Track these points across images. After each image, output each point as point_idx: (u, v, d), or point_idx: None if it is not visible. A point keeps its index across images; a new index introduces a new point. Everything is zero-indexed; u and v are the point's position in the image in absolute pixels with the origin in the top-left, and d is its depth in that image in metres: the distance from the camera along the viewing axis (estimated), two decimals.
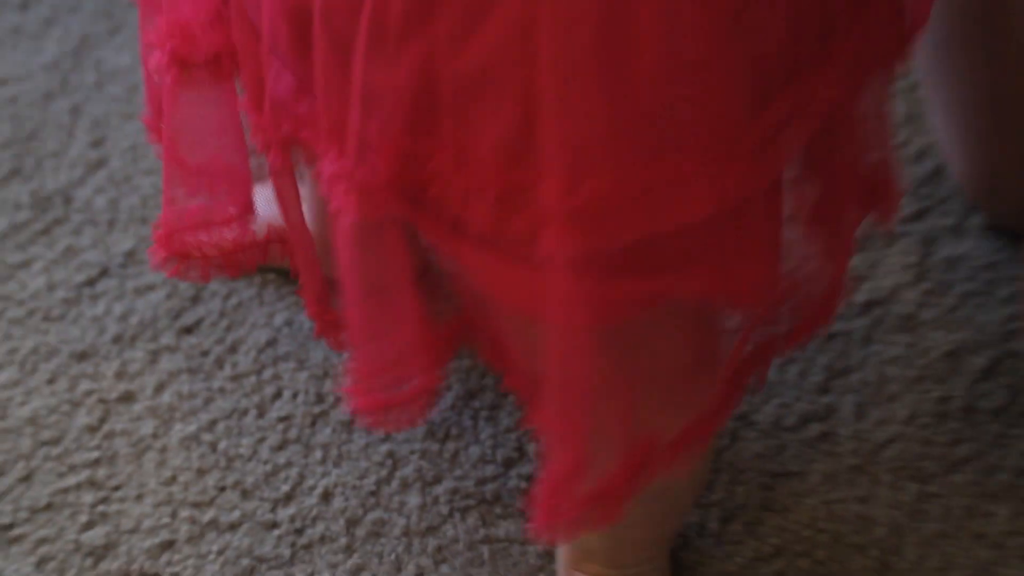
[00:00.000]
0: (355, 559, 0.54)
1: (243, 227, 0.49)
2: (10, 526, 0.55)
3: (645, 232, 0.35)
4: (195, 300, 0.62)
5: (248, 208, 0.48)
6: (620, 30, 0.31)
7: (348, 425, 0.57)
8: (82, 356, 0.61)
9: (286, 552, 0.54)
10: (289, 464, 0.56)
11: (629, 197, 0.34)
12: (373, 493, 0.56)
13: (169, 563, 0.53)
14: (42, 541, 0.54)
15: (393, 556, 0.54)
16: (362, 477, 0.56)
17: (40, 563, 0.53)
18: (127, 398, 0.59)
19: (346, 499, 0.56)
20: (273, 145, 0.40)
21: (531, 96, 0.32)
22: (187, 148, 0.46)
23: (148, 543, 0.54)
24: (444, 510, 0.56)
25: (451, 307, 0.46)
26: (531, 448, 0.56)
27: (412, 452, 0.56)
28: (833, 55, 0.37)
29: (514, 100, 0.32)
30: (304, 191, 0.45)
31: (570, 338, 0.37)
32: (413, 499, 0.56)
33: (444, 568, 0.54)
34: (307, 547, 0.54)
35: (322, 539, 0.54)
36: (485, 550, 0.53)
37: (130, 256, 0.64)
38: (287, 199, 0.43)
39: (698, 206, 0.34)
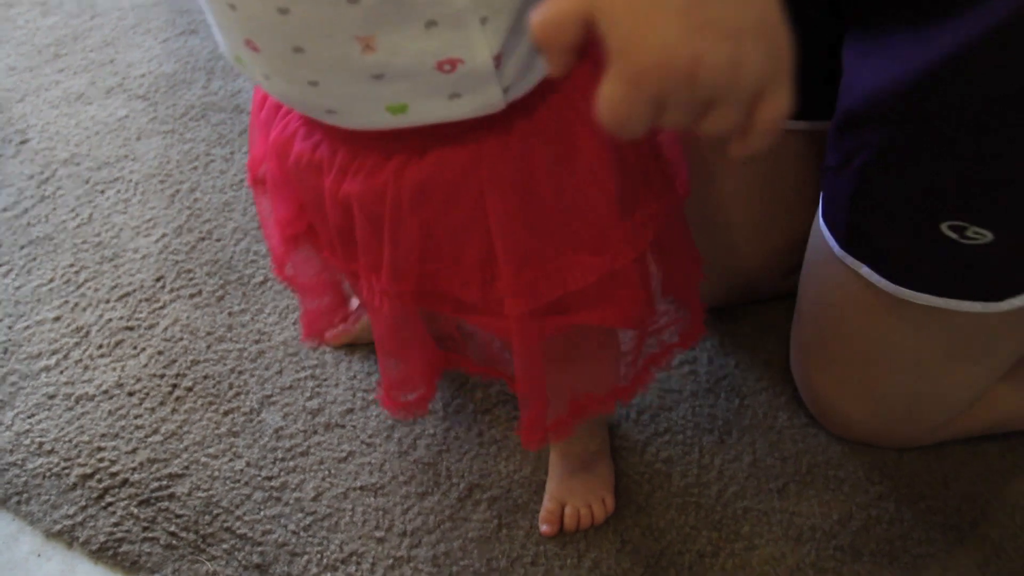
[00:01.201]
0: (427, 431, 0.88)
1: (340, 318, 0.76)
2: (269, 395, 0.94)
3: (559, 294, 0.55)
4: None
5: (342, 301, 0.74)
6: (531, 198, 0.51)
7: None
8: None
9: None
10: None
11: (547, 277, 0.55)
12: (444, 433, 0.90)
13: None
14: (286, 405, 0.93)
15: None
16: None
17: (285, 416, 0.92)
18: None
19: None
20: (348, 271, 0.60)
21: (487, 234, 0.52)
22: (307, 276, 0.69)
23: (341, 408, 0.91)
24: (470, 422, 0.89)
25: (441, 348, 0.70)
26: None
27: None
28: (651, 193, 0.57)
29: (479, 237, 0.52)
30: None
31: (526, 351, 0.59)
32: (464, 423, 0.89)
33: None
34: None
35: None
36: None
37: None
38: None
39: (586, 277, 0.55)
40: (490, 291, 0.56)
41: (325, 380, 0.92)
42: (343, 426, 0.89)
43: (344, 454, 0.87)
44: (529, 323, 0.57)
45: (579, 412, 0.69)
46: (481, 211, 0.51)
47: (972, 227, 0.59)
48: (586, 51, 0.49)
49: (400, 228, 0.52)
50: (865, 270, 0.67)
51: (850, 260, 0.68)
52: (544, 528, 0.79)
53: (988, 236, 0.60)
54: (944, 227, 0.60)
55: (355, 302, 0.81)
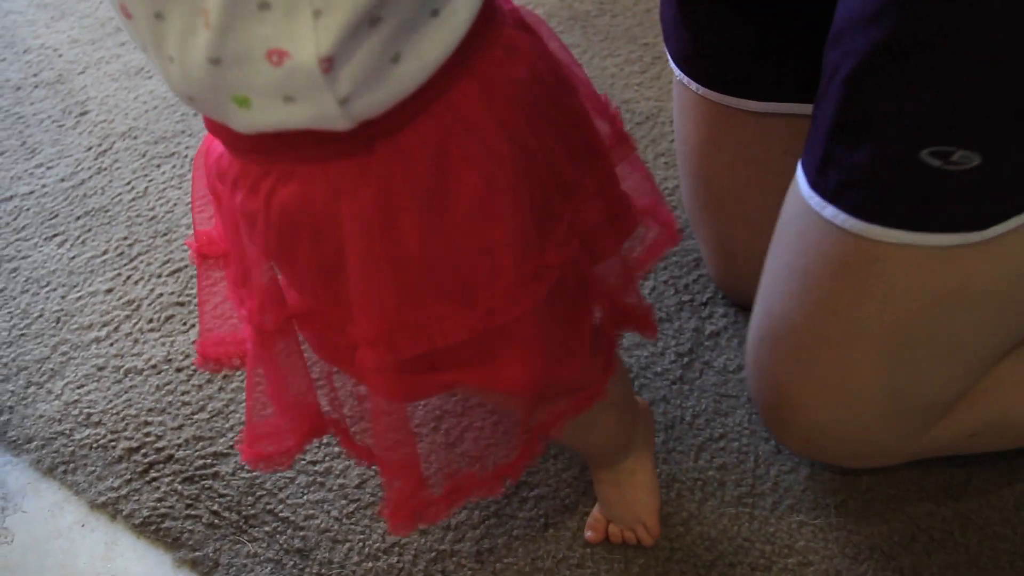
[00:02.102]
0: None
1: None
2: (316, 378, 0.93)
3: (423, 350, 0.47)
4: None
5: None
6: (392, 235, 0.44)
7: None
8: None
9: None
10: None
11: (409, 330, 0.47)
12: None
13: None
14: (332, 391, 0.91)
15: None
16: None
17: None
18: None
19: None
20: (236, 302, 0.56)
21: (344, 279, 0.46)
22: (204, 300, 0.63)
23: None
24: None
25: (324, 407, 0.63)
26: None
27: None
28: (558, 238, 0.49)
29: (340, 274, 0.46)
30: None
31: (383, 411, 0.52)
32: None
33: None
34: None
35: None
36: None
37: None
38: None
39: (452, 334, 0.47)
40: (346, 333, 0.49)
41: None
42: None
43: None
44: (391, 378, 0.49)
45: (456, 494, 0.62)
46: (338, 243, 0.45)
47: (959, 151, 0.54)
48: (466, 63, 0.43)
49: (271, 256, 0.48)
50: (830, 211, 0.61)
51: (816, 201, 0.62)
52: (589, 535, 0.76)
53: (975, 160, 0.55)
54: (924, 154, 0.55)
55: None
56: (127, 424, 0.90)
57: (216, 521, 0.83)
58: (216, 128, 0.46)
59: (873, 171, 0.58)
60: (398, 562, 0.78)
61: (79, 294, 1.03)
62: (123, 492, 0.86)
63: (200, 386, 0.92)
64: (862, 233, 0.60)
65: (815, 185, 0.63)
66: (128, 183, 1.14)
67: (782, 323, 0.69)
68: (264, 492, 0.84)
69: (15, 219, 1.12)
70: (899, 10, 0.54)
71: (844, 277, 0.63)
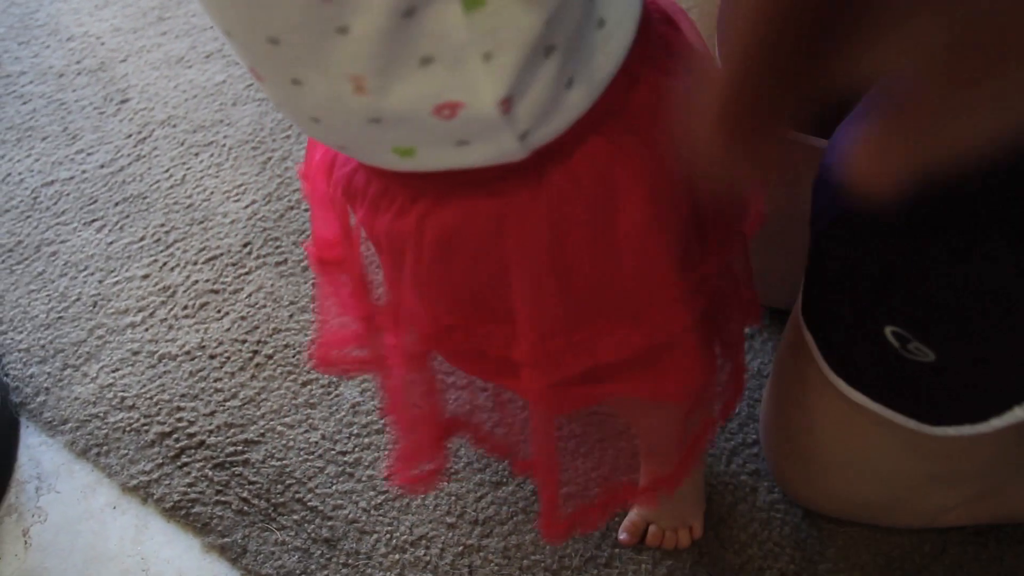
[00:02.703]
0: None
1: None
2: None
3: (586, 366, 0.47)
4: None
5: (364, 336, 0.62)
6: (561, 260, 0.43)
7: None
8: None
9: None
10: None
11: (574, 348, 0.47)
12: None
13: None
14: (364, 381, 0.92)
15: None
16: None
17: (363, 392, 0.91)
18: None
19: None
20: (360, 318, 0.55)
21: (509, 299, 0.45)
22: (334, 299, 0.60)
23: None
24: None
25: (454, 419, 0.63)
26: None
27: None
28: (709, 246, 0.49)
29: (502, 296, 0.45)
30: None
31: (543, 426, 0.52)
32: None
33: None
34: None
35: None
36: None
37: None
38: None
39: (619, 350, 0.47)
40: (510, 351, 0.48)
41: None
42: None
43: None
44: (549, 392, 0.49)
45: (612, 502, 0.62)
46: (505, 270, 0.44)
47: (914, 341, 0.51)
48: (632, 71, 0.41)
49: (421, 278, 0.46)
50: (812, 343, 0.60)
51: (804, 329, 0.60)
52: (623, 537, 0.76)
53: (930, 356, 0.51)
54: (888, 332, 0.52)
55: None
56: (160, 409, 0.91)
57: (245, 508, 0.83)
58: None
59: (845, 335, 0.56)
60: (425, 555, 0.78)
61: (116, 279, 1.04)
62: (154, 476, 0.86)
63: (232, 373, 0.93)
64: (833, 383, 0.59)
65: (803, 309, 0.61)
66: (166, 171, 1.15)
67: (782, 430, 0.69)
68: (293, 481, 0.84)
69: (55, 203, 1.13)
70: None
71: (828, 402, 0.61)
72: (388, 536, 0.80)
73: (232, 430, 0.88)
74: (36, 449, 0.91)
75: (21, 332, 1.00)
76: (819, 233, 0.56)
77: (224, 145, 1.17)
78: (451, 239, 0.43)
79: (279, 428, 0.88)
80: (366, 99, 0.36)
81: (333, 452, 0.85)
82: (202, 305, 1.00)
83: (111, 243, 1.08)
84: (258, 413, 0.90)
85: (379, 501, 0.82)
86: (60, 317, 1.01)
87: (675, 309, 0.47)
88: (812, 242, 0.58)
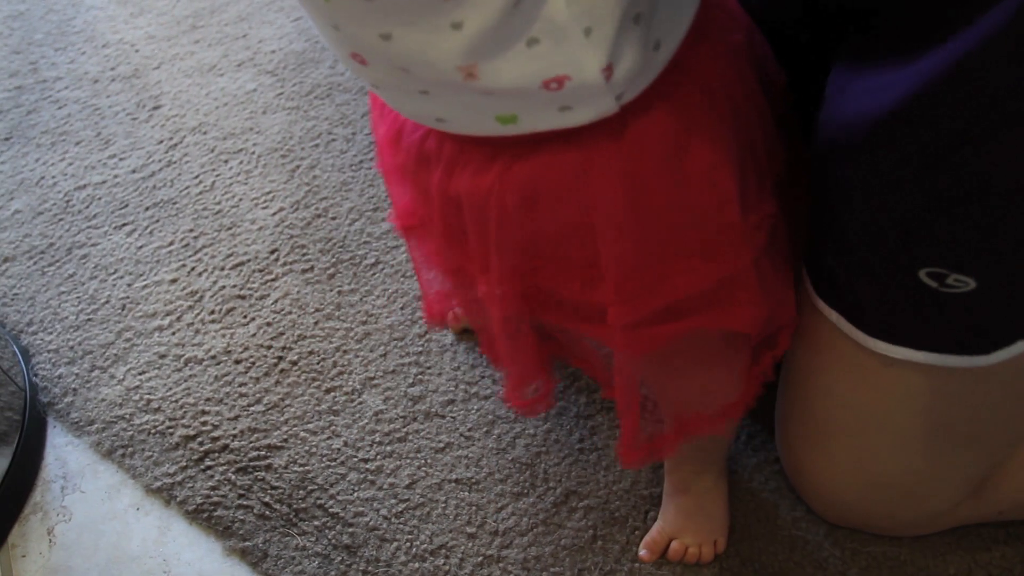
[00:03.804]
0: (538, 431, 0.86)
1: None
2: (372, 378, 0.94)
3: (666, 302, 0.52)
4: None
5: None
6: (640, 203, 0.47)
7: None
8: None
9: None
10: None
11: (652, 286, 0.51)
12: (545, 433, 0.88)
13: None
14: (388, 389, 0.92)
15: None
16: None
17: (386, 400, 0.91)
18: None
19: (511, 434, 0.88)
20: (449, 272, 0.60)
21: (592, 238, 0.49)
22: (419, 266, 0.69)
23: (442, 399, 0.90)
24: (573, 435, 0.86)
25: (551, 342, 0.66)
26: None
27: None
28: (766, 189, 0.54)
29: (585, 240, 0.49)
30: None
31: (627, 362, 0.57)
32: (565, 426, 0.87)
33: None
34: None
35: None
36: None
37: None
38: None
39: (697, 284, 0.52)
40: (593, 294, 0.53)
41: (429, 368, 0.92)
42: (443, 416, 0.88)
43: (442, 445, 0.86)
44: (633, 333, 0.53)
45: (685, 431, 0.65)
46: (588, 215, 0.48)
47: (953, 274, 0.53)
48: (700, 30, 0.46)
49: (506, 229, 0.50)
50: (841, 320, 0.60)
51: (826, 309, 0.61)
52: (643, 553, 0.76)
53: (971, 284, 0.53)
54: (922, 274, 0.54)
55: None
56: (185, 412, 0.92)
57: (267, 512, 0.84)
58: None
59: (876, 294, 0.57)
60: (444, 564, 0.78)
61: (145, 283, 1.05)
62: (178, 479, 0.87)
63: (257, 379, 0.94)
64: (870, 347, 0.60)
65: (821, 293, 0.62)
66: (196, 177, 1.17)
67: (804, 410, 0.69)
68: (315, 487, 0.84)
69: (87, 207, 1.15)
70: (886, 141, 0.52)
71: (860, 376, 0.62)
72: (408, 544, 0.80)
73: (256, 435, 0.89)
74: (62, 449, 0.92)
75: (51, 333, 1.01)
76: (831, 208, 0.57)
77: (253, 153, 1.19)
78: (535, 189, 0.47)
79: (302, 434, 0.89)
80: (477, 83, 0.40)
81: (355, 459, 0.86)
82: (229, 310, 1.01)
83: (141, 247, 1.09)
84: (282, 419, 0.90)
85: (400, 509, 0.82)
86: (89, 319, 1.02)
87: (741, 244, 0.51)
88: (820, 222, 0.59)
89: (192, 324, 1.00)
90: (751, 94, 0.52)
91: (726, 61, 0.49)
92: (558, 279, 0.53)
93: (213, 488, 0.86)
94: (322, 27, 0.43)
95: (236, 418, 0.91)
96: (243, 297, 1.02)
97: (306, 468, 0.86)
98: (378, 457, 0.86)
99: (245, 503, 0.84)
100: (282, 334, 0.97)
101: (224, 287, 1.03)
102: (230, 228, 1.10)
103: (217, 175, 1.17)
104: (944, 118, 0.47)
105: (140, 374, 0.96)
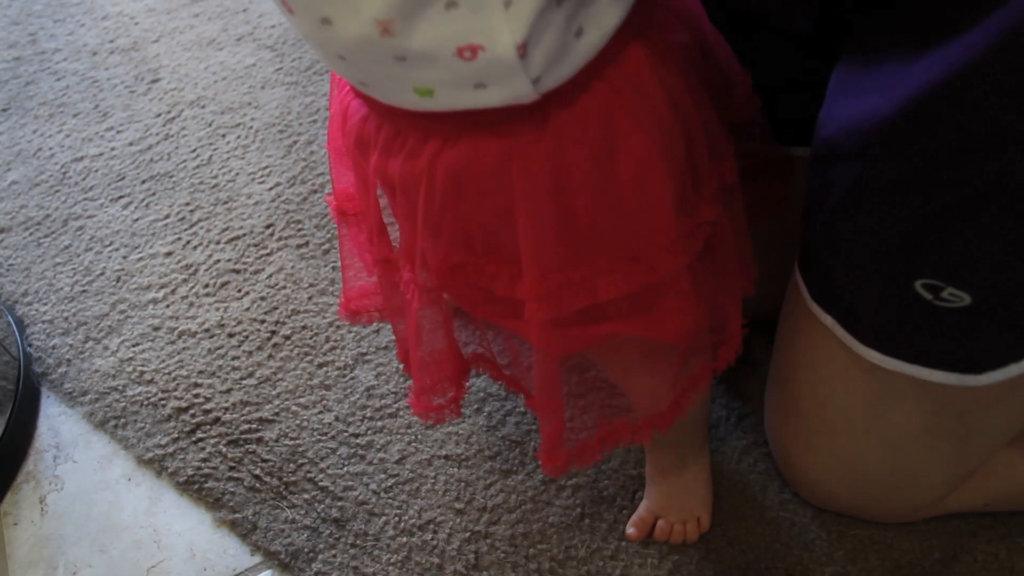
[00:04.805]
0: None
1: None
2: (364, 353, 0.94)
3: (587, 302, 0.49)
4: None
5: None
6: (563, 197, 0.46)
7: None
8: None
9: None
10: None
11: (575, 285, 0.49)
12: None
13: None
14: (380, 365, 0.92)
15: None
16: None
17: (378, 376, 0.92)
18: None
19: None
20: (378, 263, 0.59)
21: (515, 237, 0.47)
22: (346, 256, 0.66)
23: None
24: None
25: (468, 348, 0.65)
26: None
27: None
28: (703, 195, 0.51)
29: (509, 232, 0.48)
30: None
31: (545, 361, 0.54)
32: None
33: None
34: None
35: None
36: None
37: None
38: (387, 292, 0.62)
39: (620, 287, 0.49)
40: (515, 290, 0.50)
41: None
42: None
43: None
44: (551, 331, 0.51)
45: (608, 439, 0.63)
46: (509, 205, 0.47)
47: (948, 287, 0.51)
48: (634, 26, 0.44)
49: (435, 214, 0.49)
50: (835, 326, 0.60)
51: (821, 314, 0.61)
52: (631, 531, 0.76)
53: (966, 299, 0.51)
54: (918, 285, 0.52)
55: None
56: (178, 384, 0.92)
57: (257, 485, 0.84)
58: (369, 99, 0.47)
59: (870, 303, 0.57)
60: (432, 539, 0.79)
61: (140, 255, 1.05)
62: (170, 450, 0.87)
63: (250, 352, 0.94)
64: (863, 355, 0.59)
65: (816, 296, 0.61)
66: (193, 151, 1.17)
67: (792, 404, 0.69)
68: (305, 460, 0.85)
69: (84, 179, 1.15)
70: (886, 147, 0.51)
71: (851, 380, 0.62)
72: (397, 519, 0.80)
73: (247, 408, 0.89)
74: (56, 419, 0.92)
75: (45, 304, 1.01)
76: (829, 212, 0.56)
77: (251, 127, 1.19)
78: (460, 177, 0.46)
79: (294, 408, 0.89)
80: (393, 40, 0.39)
81: (346, 434, 0.86)
82: (223, 284, 1.01)
83: (136, 220, 1.09)
84: (273, 392, 0.90)
85: (389, 484, 0.82)
86: (84, 291, 1.02)
87: (671, 250, 0.49)
88: (817, 226, 0.58)
89: (186, 297, 1.00)
90: (692, 95, 0.49)
91: (664, 60, 0.47)
92: (485, 272, 0.51)
93: (204, 460, 0.86)
94: None
95: (228, 391, 0.91)
96: (237, 271, 1.02)
97: (297, 442, 0.86)
98: (369, 432, 0.86)
99: (236, 475, 0.85)
100: (276, 308, 0.97)
101: (219, 261, 1.03)
102: (226, 202, 1.10)
103: (214, 149, 1.16)
104: (944, 128, 0.47)
105: (134, 346, 0.96)
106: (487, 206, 0.47)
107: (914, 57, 0.48)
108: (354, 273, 0.67)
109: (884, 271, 0.54)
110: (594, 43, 0.43)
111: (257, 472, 0.85)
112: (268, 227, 1.06)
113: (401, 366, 0.91)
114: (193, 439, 0.88)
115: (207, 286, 1.01)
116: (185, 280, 1.02)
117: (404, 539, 0.79)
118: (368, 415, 0.87)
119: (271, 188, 1.10)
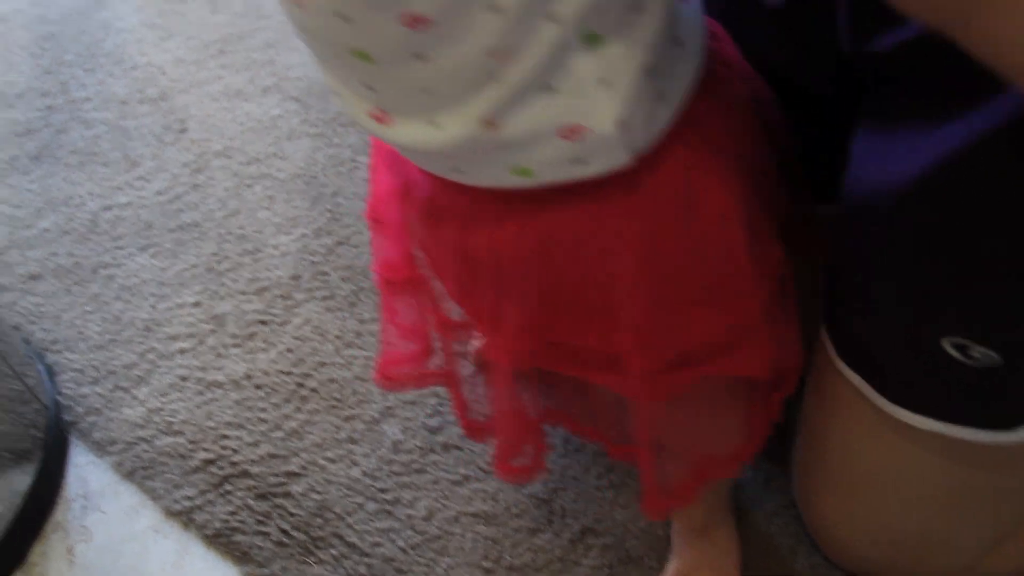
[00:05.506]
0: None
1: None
2: (391, 407, 0.95)
3: (681, 350, 0.54)
4: None
5: (428, 352, 0.68)
6: (654, 254, 0.49)
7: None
8: None
9: None
10: None
11: (666, 335, 0.53)
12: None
13: None
14: (406, 419, 0.93)
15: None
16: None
17: (405, 431, 0.92)
18: None
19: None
20: (444, 329, 0.63)
21: (608, 288, 0.50)
22: (399, 319, 0.67)
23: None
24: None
25: (550, 408, 0.67)
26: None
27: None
28: (772, 235, 0.54)
29: (600, 289, 0.50)
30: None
31: (646, 410, 0.57)
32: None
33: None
34: None
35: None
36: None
37: None
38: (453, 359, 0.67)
39: (708, 332, 0.53)
40: (609, 344, 0.53)
41: (447, 400, 0.92)
42: (461, 448, 0.89)
43: (459, 477, 0.87)
44: (651, 381, 0.54)
45: (701, 475, 0.65)
46: (603, 266, 0.49)
47: (977, 347, 0.51)
48: (705, 85, 0.47)
49: (524, 282, 0.51)
50: (863, 384, 0.60)
51: (847, 371, 0.61)
52: None
53: (995, 358, 0.51)
54: (946, 343, 0.52)
55: (435, 360, 0.71)
56: (206, 436, 0.93)
57: (285, 540, 0.84)
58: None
59: (898, 359, 0.57)
60: None
61: (168, 305, 1.06)
62: (198, 502, 0.88)
63: (277, 405, 0.95)
64: (891, 412, 0.59)
65: (842, 354, 0.61)
66: (220, 201, 1.18)
67: (820, 464, 0.70)
68: (333, 515, 0.85)
69: (113, 227, 1.17)
70: (914, 208, 0.51)
71: (879, 438, 0.62)
72: None
73: (275, 461, 0.90)
74: (84, 468, 0.93)
75: (75, 352, 1.02)
76: (856, 270, 0.57)
77: (277, 178, 1.20)
78: (551, 242, 0.48)
79: (321, 462, 0.89)
80: (496, 132, 0.41)
81: (373, 489, 0.87)
82: (250, 335, 1.02)
83: (164, 269, 1.11)
84: (301, 445, 0.91)
85: (417, 541, 0.83)
86: (113, 340, 1.03)
87: (752, 292, 0.53)
88: (843, 283, 0.59)
89: (214, 348, 1.01)
90: (756, 143, 0.53)
91: (732, 112, 0.50)
92: (574, 330, 0.54)
93: (232, 513, 0.87)
94: (349, 91, 0.44)
95: (256, 443, 0.92)
96: (265, 323, 1.03)
97: (324, 496, 0.87)
98: (396, 487, 0.87)
99: (263, 530, 0.85)
100: (303, 360, 0.98)
101: (246, 312, 1.04)
102: (253, 253, 1.11)
103: (241, 199, 1.18)
104: (970, 191, 0.48)
105: (162, 396, 0.97)
106: (578, 268, 0.49)
107: (938, 121, 0.49)
108: (392, 340, 0.68)
109: (912, 329, 0.55)
110: (674, 104, 0.45)
111: (285, 527, 0.85)
112: (295, 278, 1.07)
113: (428, 420, 0.91)
114: (221, 491, 0.88)
115: (235, 337, 1.02)
116: (213, 331, 1.03)
117: None
118: (395, 470, 0.88)
119: (297, 239, 1.12)
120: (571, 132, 0.42)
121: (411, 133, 0.44)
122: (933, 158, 0.49)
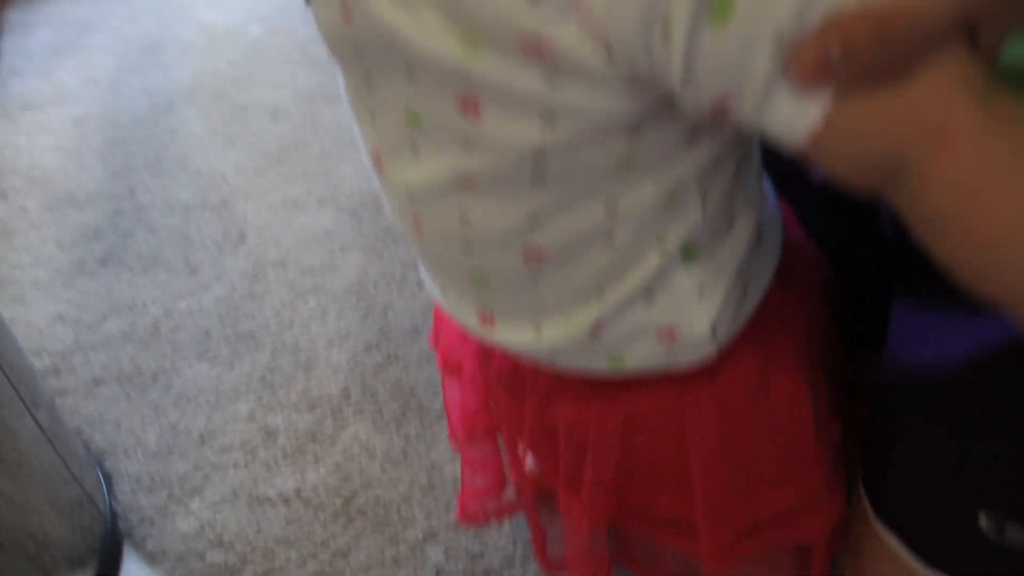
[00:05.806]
0: None
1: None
2: (434, 531, 0.97)
3: (750, 522, 0.58)
4: None
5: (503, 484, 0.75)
6: (730, 436, 0.53)
7: None
8: None
9: None
10: None
11: (738, 508, 0.57)
12: None
13: None
14: (449, 543, 0.96)
15: None
16: None
17: (447, 555, 0.95)
18: None
19: None
20: (524, 484, 0.67)
21: (684, 461, 0.54)
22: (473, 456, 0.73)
23: None
24: None
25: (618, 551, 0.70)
26: None
27: None
28: (831, 408, 0.58)
29: (677, 462, 0.54)
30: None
31: (715, 572, 0.60)
32: None
33: None
34: None
35: None
36: None
37: None
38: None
39: (774, 504, 0.57)
40: (681, 511, 0.57)
41: (489, 525, 0.95)
42: (501, 575, 0.91)
43: None
44: (719, 553, 0.58)
45: None
46: (681, 442, 0.53)
47: (1013, 524, 0.52)
48: (783, 277, 0.50)
49: (605, 457, 0.55)
50: (900, 547, 0.61)
51: (886, 533, 0.62)
52: None
53: None
54: (982, 517, 0.53)
55: (510, 491, 0.78)
56: (255, 551, 0.96)
57: None
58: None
59: (933, 526, 0.58)
60: None
61: (222, 415, 1.11)
62: None
63: (325, 524, 0.98)
64: (924, 575, 0.60)
65: (880, 515, 0.62)
66: (276, 311, 1.24)
67: None
68: None
69: (173, 334, 1.22)
70: (950, 396, 0.53)
71: None
72: None
73: None
74: None
75: (132, 460, 1.07)
76: (898, 437, 0.59)
77: (330, 291, 1.26)
78: (635, 423, 0.52)
79: None
80: (602, 333, 0.46)
81: None
82: (301, 451, 1.06)
83: (220, 378, 1.16)
84: (347, 565, 0.94)
85: None
86: (169, 448, 1.08)
87: (815, 464, 0.56)
88: (883, 449, 0.61)
89: (265, 462, 1.05)
90: (824, 325, 0.57)
91: (804, 299, 0.54)
92: (648, 496, 0.58)
93: None
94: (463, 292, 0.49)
95: (304, 562, 0.95)
96: (315, 438, 1.07)
97: None
98: None
99: None
100: (350, 478, 1.02)
101: (298, 426, 1.08)
102: (306, 365, 1.16)
103: (296, 311, 1.24)
104: (1003, 386, 0.51)
105: (214, 509, 1.01)
106: (657, 446, 0.54)
107: (971, 312, 0.51)
108: (472, 484, 0.74)
109: (948, 499, 0.57)
110: (756, 299, 0.49)
111: None
112: (344, 393, 1.11)
113: (470, 545, 0.94)
114: None
115: (286, 451, 1.06)
116: (265, 444, 1.07)
117: None
118: None
119: (348, 353, 1.16)
120: (668, 334, 0.46)
121: (514, 337, 0.49)
122: (971, 349, 0.52)
